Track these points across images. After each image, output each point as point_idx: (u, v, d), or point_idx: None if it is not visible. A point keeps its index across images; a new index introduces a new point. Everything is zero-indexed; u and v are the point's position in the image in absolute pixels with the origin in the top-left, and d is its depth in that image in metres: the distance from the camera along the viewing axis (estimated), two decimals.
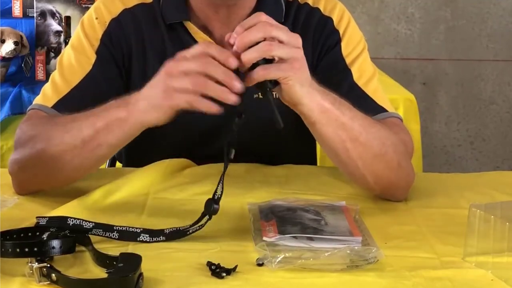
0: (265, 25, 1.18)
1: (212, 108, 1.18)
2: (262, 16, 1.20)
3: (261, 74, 1.18)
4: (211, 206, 1.16)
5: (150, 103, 1.20)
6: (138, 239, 1.15)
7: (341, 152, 1.30)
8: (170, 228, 1.16)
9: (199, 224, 1.17)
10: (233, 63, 1.17)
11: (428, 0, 3.65)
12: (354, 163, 1.31)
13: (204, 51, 1.18)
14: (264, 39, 1.17)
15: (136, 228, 1.16)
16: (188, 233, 1.16)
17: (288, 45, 1.19)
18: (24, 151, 1.32)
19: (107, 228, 1.15)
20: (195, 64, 1.17)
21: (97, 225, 1.15)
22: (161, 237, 1.16)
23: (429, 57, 3.69)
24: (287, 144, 1.59)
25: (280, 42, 1.18)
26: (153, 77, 1.22)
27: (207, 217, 1.17)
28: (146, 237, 1.15)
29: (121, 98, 1.26)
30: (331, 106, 1.25)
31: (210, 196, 1.36)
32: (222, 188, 1.18)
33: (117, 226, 1.16)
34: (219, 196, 1.18)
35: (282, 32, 1.19)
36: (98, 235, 1.15)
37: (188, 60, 1.18)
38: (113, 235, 1.15)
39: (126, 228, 1.15)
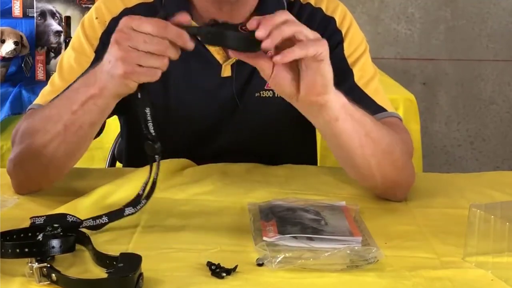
0: (294, 23, 1.15)
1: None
2: (287, 15, 1.17)
3: (298, 51, 1.12)
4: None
5: (112, 76, 1.17)
6: (125, 214, 1.18)
7: (356, 149, 1.28)
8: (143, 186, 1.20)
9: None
10: (190, 45, 1.14)
11: (428, 0, 3.65)
12: (367, 162, 1.29)
13: (159, 34, 1.13)
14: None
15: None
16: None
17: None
18: (16, 149, 1.34)
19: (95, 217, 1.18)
20: (150, 45, 1.13)
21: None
22: (143, 202, 1.19)
23: (429, 57, 3.69)
24: (287, 144, 1.59)
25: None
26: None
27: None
28: (130, 209, 1.18)
29: (87, 73, 1.26)
30: (346, 100, 1.24)
31: (210, 197, 1.37)
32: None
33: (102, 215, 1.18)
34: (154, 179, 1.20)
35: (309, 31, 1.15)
36: (90, 225, 1.16)
37: (140, 38, 1.13)
38: (103, 219, 1.17)
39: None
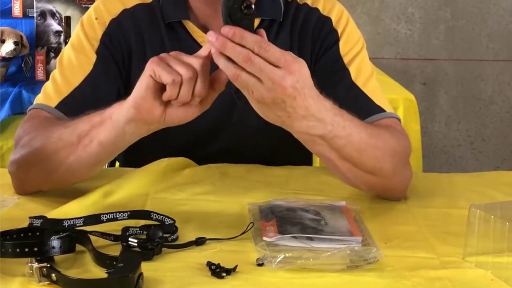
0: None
1: None
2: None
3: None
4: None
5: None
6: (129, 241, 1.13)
7: (330, 165, 1.29)
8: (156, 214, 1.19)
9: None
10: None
11: (428, 0, 3.65)
12: (344, 176, 1.31)
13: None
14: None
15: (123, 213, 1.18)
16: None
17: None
18: (23, 150, 1.32)
19: (97, 219, 1.16)
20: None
21: (87, 219, 1.15)
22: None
23: (429, 57, 3.69)
24: (284, 144, 1.58)
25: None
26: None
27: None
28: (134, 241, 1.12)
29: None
30: (324, 134, 1.18)
31: (210, 197, 1.37)
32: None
33: (103, 214, 1.16)
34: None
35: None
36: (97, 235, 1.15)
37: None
38: (110, 238, 1.15)
39: (114, 215, 1.17)
